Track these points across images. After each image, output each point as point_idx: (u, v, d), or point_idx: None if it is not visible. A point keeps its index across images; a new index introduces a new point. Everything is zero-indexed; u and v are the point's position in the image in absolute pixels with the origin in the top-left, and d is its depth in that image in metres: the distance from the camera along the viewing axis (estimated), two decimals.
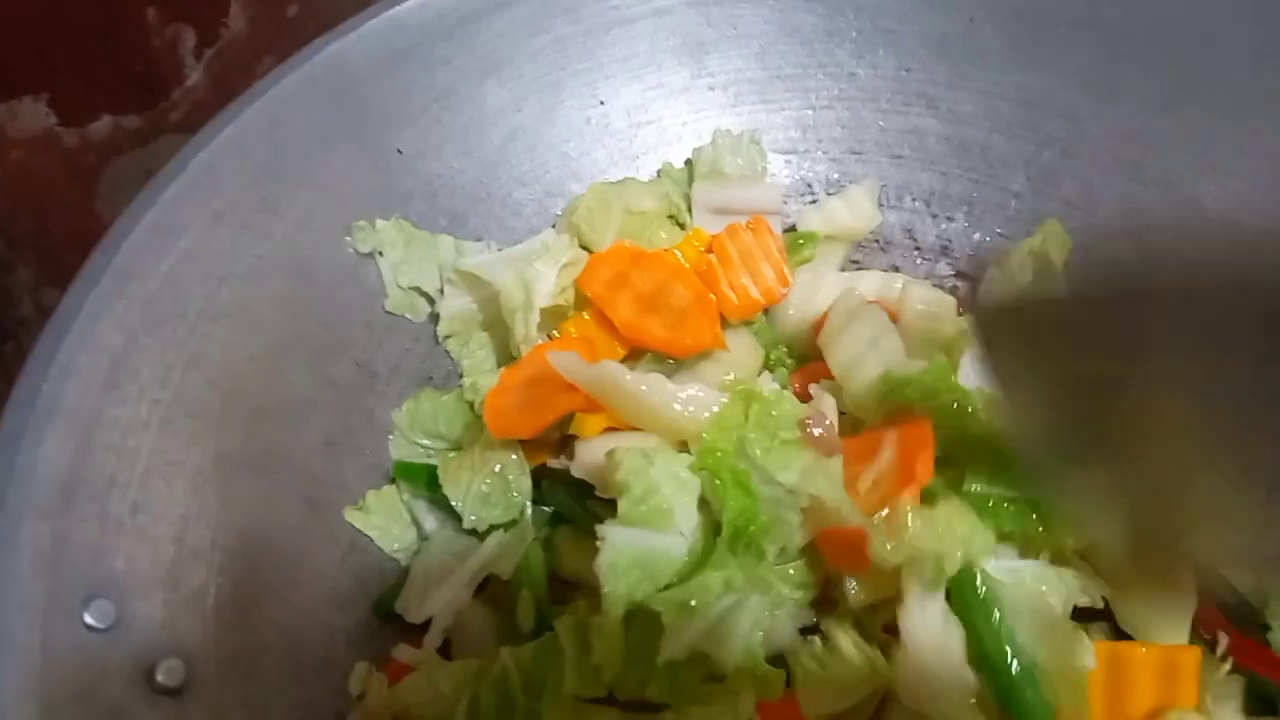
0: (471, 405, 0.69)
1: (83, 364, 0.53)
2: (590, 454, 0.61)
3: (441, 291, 0.71)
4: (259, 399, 0.62)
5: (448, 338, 0.72)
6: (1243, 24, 0.68)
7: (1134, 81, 0.71)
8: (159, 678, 0.52)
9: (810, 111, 0.78)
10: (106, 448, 0.54)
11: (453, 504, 0.64)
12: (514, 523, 0.65)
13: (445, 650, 0.64)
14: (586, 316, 0.68)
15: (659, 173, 0.78)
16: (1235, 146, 0.69)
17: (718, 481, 0.55)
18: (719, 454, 0.56)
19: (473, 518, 0.64)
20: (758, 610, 0.54)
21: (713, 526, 0.56)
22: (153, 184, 0.59)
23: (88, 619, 0.50)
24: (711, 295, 0.69)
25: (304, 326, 0.65)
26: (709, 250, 0.72)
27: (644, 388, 0.59)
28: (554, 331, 0.70)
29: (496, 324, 0.70)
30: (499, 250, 0.72)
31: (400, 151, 0.70)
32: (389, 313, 0.70)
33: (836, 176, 0.78)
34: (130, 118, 0.78)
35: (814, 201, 0.79)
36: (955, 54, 0.74)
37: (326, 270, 0.67)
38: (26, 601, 0.48)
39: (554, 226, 0.75)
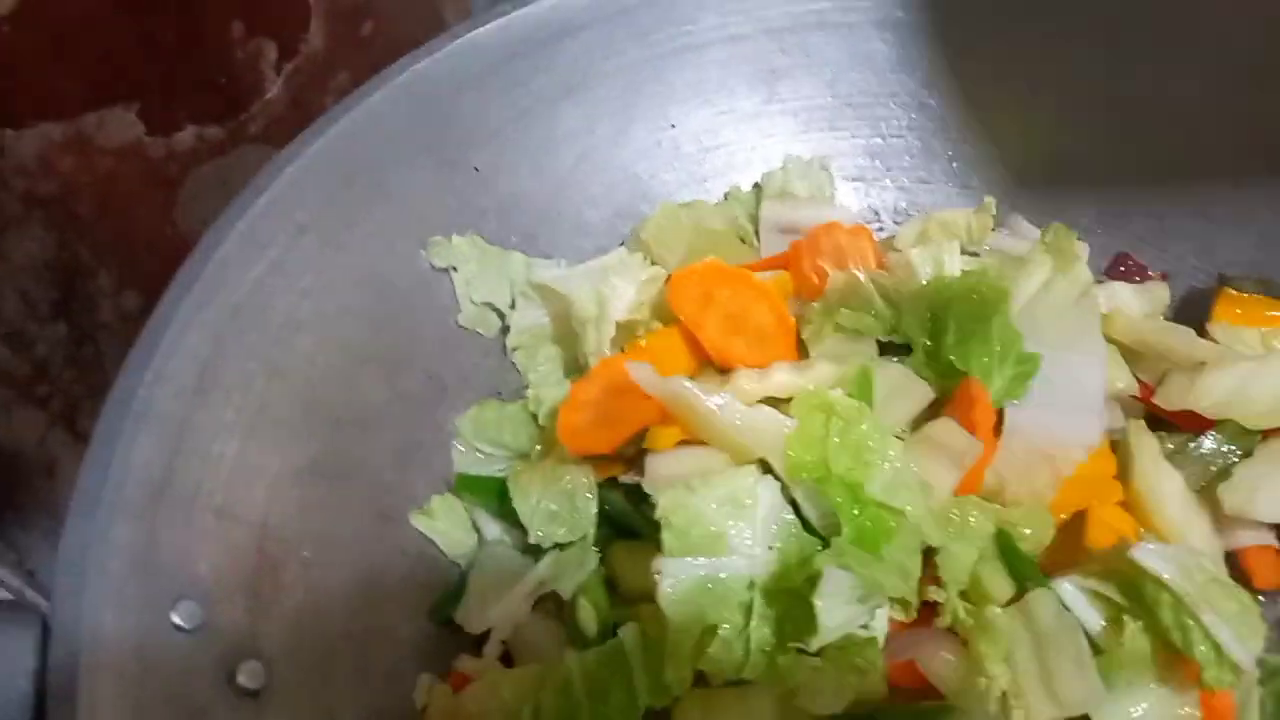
0: (535, 417, 0.70)
1: (173, 370, 0.55)
2: (663, 468, 0.60)
3: (513, 305, 0.72)
4: (335, 409, 0.64)
5: (515, 350, 0.72)
6: None
7: (1205, 112, 0.71)
8: (240, 680, 0.53)
9: (880, 140, 0.78)
10: (194, 452, 0.55)
11: (520, 518, 0.65)
12: (576, 542, 0.65)
13: (508, 660, 0.64)
14: (662, 329, 0.68)
15: (726, 195, 0.79)
16: None
17: (824, 492, 0.56)
18: (810, 466, 0.56)
19: (539, 534, 0.64)
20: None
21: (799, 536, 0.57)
22: (243, 195, 0.61)
23: (175, 620, 0.51)
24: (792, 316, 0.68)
25: (379, 338, 0.67)
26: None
27: (716, 406, 0.59)
28: (624, 347, 0.70)
29: (566, 337, 0.71)
30: (571, 267, 0.73)
31: (477, 169, 0.71)
32: (461, 327, 0.71)
33: (904, 205, 0.79)
34: (213, 129, 0.80)
35: (880, 230, 0.79)
36: (1025, 83, 0.74)
37: (402, 284, 0.68)
38: (120, 601, 0.49)
39: (624, 245, 0.76)
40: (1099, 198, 0.75)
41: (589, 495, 0.64)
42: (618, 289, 0.68)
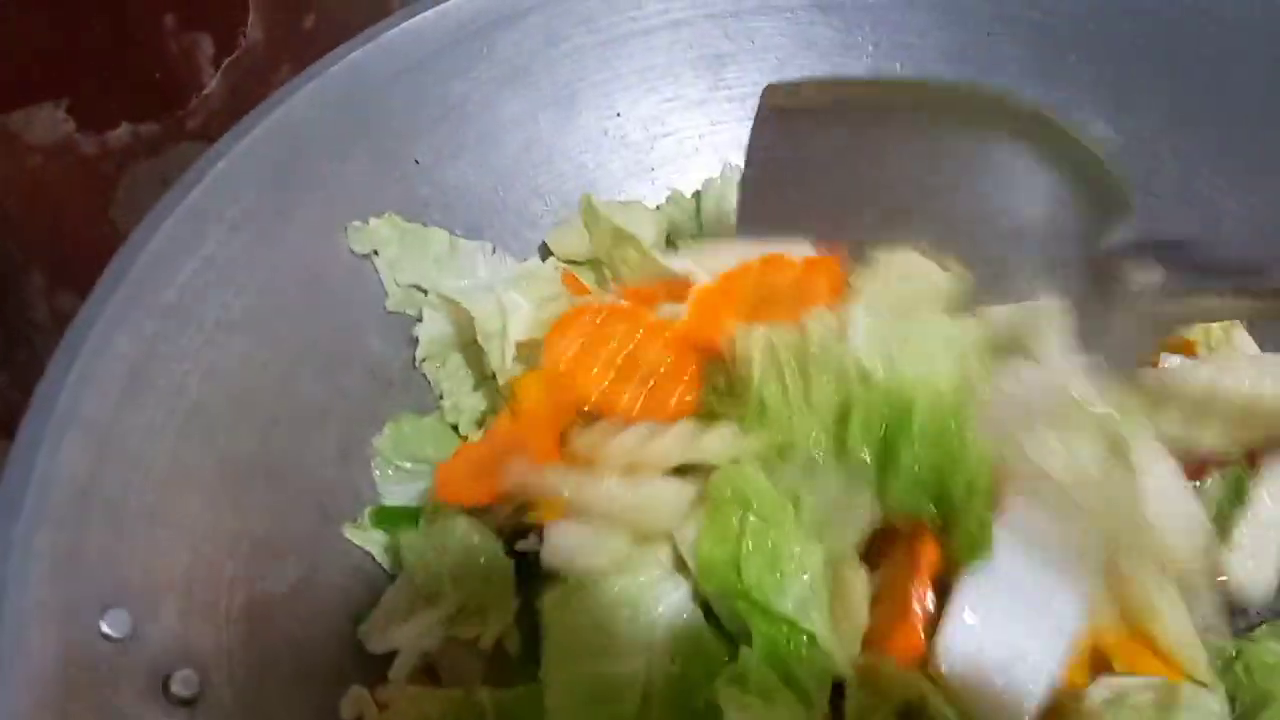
0: (455, 428, 0.69)
1: (101, 372, 0.53)
2: (561, 538, 0.54)
3: (420, 313, 0.69)
4: (273, 408, 0.62)
5: (424, 360, 0.70)
6: (1256, 38, 0.68)
7: (1150, 96, 0.71)
8: (173, 688, 0.51)
9: None
10: (122, 456, 0.53)
11: (432, 584, 0.61)
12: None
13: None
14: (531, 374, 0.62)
15: (668, 199, 0.78)
16: (1255, 164, 0.69)
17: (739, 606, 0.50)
18: (722, 567, 0.50)
19: (459, 595, 0.60)
20: None
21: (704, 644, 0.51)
22: (172, 192, 0.59)
23: (104, 628, 0.49)
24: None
25: (318, 336, 0.65)
26: None
27: (605, 495, 0.52)
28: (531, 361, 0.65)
29: (473, 345, 0.68)
30: (493, 251, 0.72)
31: (417, 161, 0.70)
32: (389, 311, 0.69)
33: None
34: (148, 125, 0.79)
35: None
36: (973, 68, 0.74)
37: (341, 280, 0.67)
38: (44, 611, 0.47)
39: (539, 253, 0.74)
40: None
41: (495, 553, 0.60)
42: (518, 304, 0.65)
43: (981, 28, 0.72)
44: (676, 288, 0.60)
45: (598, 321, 0.58)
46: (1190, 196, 0.70)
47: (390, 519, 0.65)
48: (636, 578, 0.52)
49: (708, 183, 0.77)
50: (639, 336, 0.57)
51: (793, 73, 0.77)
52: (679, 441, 0.53)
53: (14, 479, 0.49)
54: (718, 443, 0.52)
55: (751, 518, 0.50)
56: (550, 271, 0.70)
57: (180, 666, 0.52)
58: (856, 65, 0.75)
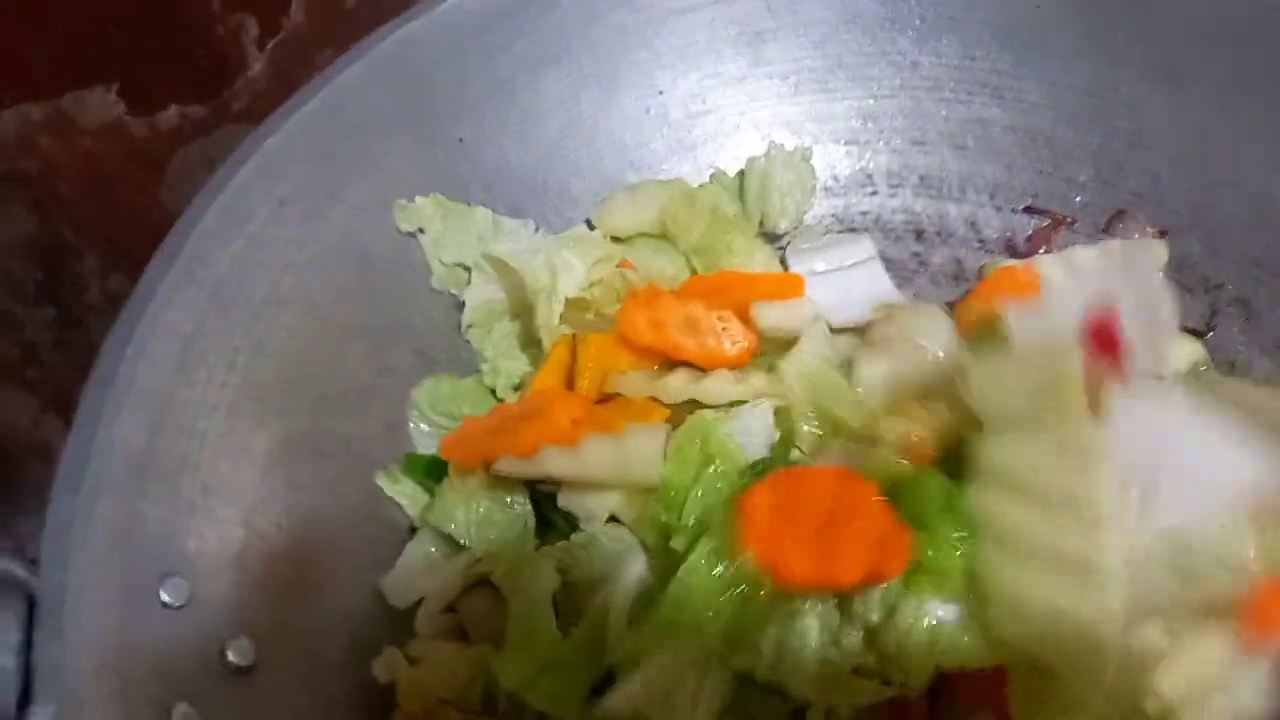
0: (493, 391, 0.69)
1: (155, 346, 0.54)
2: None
3: (469, 280, 0.70)
4: (321, 385, 0.63)
5: (470, 326, 0.71)
6: None
7: (1203, 73, 0.70)
8: (230, 656, 0.53)
9: (872, 101, 0.77)
10: (178, 429, 0.55)
11: (455, 536, 0.62)
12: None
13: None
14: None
15: (711, 178, 0.77)
16: None
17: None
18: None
19: (480, 547, 0.62)
20: None
21: None
22: (222, 171, 0.60)
23: (164, 596, 0.51)
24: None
25: (365, 313, 0.66)
26: None
27: (587, 466, 0.58)
28: (582, 328, 0.68)
29: (521, 310, 0.70)
30: (536, 230, 0.72)
31: (461, 140, 0.70)
32: (436, 290, 0.70)
33: (898, 167, 0.78)
34: (195, 107, 0.79)
35: (874, 194, 0.78)
36: (1020, 42, 0.73)
37: (387, 258, 0.68)
38: (104, 579, 0.48)
39: (586, 222, 0.74)
40: (1095, 155, 0.74)
41: (514, 486, 0.62)
42: (569, 264, 0.66)
43: (1030, 1, 0.71)
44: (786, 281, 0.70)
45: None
46: (1243, 177, 0.69)
47: (419, 467, 0.66)
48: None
49: (751, 161, 0.76)
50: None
51: (835, 50, 0.76)
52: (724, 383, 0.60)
53: (74, 451, 0.50)
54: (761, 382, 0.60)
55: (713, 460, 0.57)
56: (599, 237, 0.70)
57: (237, 635, 0.53)
58: (902, 39, 0.74)
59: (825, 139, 0.77)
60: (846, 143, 0.78)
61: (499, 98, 0.71)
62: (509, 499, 0.62)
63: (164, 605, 0.51)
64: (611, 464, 0.58)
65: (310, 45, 0.86)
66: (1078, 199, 0.74)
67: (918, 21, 0.74)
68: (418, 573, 0.64)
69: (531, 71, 0.72)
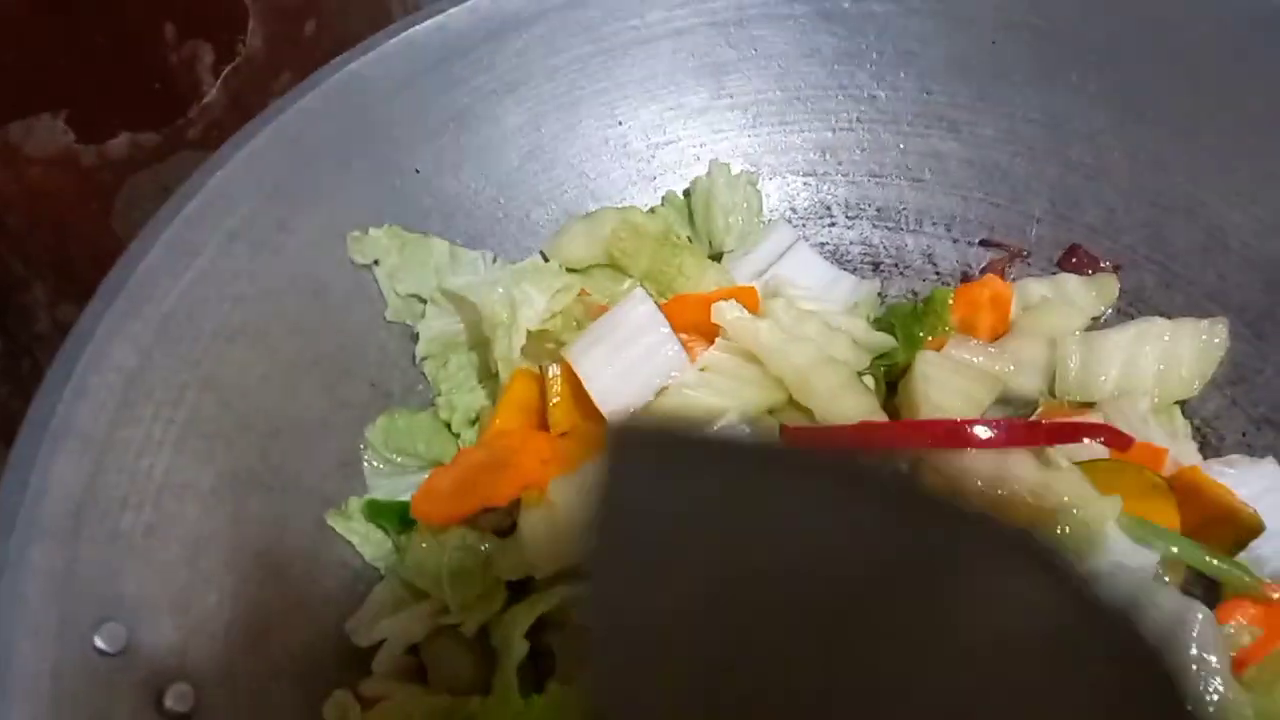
0: (448, 425, 0.68)
1: (97, 383, 0.53)
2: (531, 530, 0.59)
3: (423, 314, 0.69)
4: (273, 420, 0.62)
5: (425, 359, 0.70)
6: (1271, 48, 0.67)
7: (1158, 105, 0.70)
8: (168, 703, 0.51)
9: (830, 134, 0.77)
10: (120, 468, 0.53)
11: (430, 592, 0.62)
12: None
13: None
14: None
15: (663, 200, 0.77)
16: (1261, 173, 0.68)
17: None
18: None
19: (455, 601, 0.60)
20: None
21: None
22: (170, 203, 0.59)
23: (98, 643, 0.49)
24: None
25: (318, 346, 0.65)
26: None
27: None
28: (541, 360, 0.67)
29: (479, 343, 0.69)
30: (494, 260, 0.71)
31: (418, 171, 0.69)
32: (390, 323, 0.69)
33: (856, 199, 0.78)
34: (148, 135, 0.78)
35: (832, 225, 0.79)
36: (977, 76, 0.73)
37: (341, 290, 0.67)
38: (36, 626, 0.47)
39: (541, 253, 0.74)
40: (1052, 188, 0.74)
41: (483, 540, 0.61)
42: (529, 296, 0.66)
43: (985, 36, 0.72)
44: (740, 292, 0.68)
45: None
46: (1196, 208, 0.70)
47: (381, 513, 0.65)
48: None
49: (696, 181, 0.76)
50: None
51: (794, 82, 0.76)
52: None
53: (8, 492, 0.49)
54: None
55: None
56: (556, 268, 0.70)
57: (175, 681, 0.52)
58: (860, 73, 0.75)
59: (784, 170, 0.78)
60: (805, 174, 0.78)
61: (457, 128, 0.71)
62: (481, 548, 0.61)
63: (99, 652, 0.49)
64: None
65: (267, 72, 0.85)
66: (1032, 232, 0.75)
67: (875, 55, 0.74)
68: (384, 614, 0.62)
69: (491, 101, 0.71)
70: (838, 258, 0.78)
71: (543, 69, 0.72)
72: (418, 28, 0.67)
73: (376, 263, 0.67)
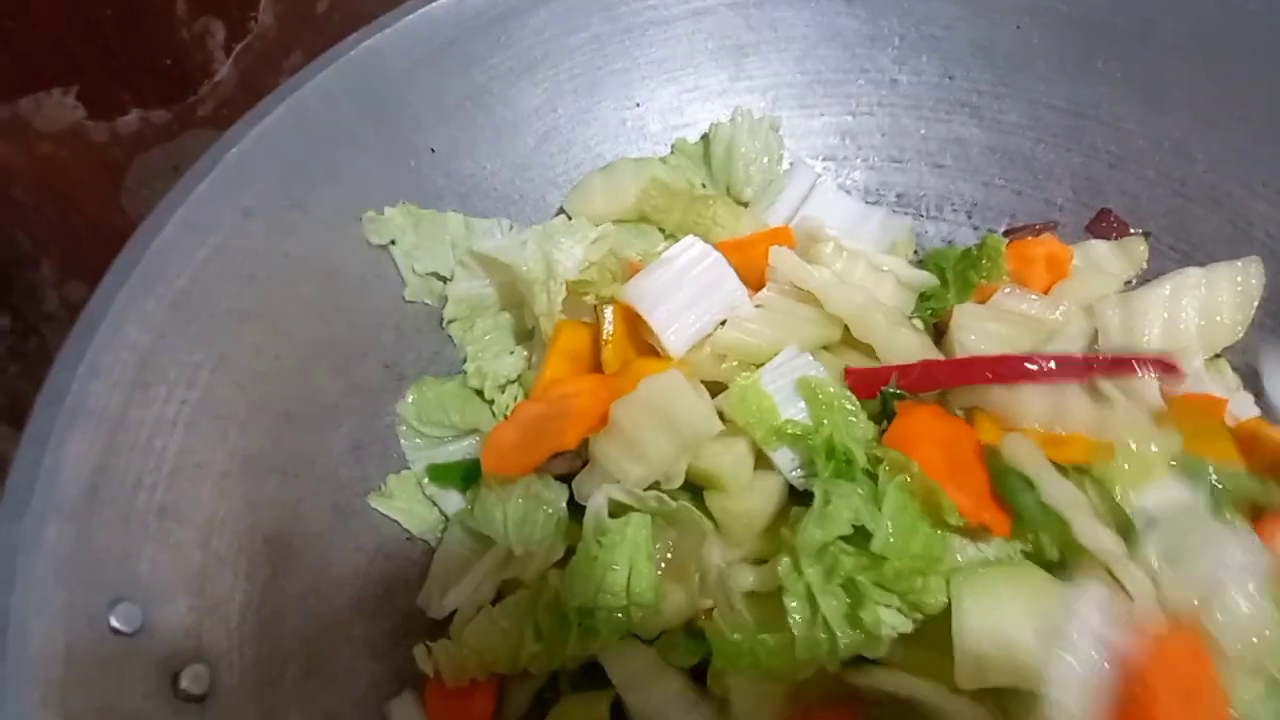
0: (480, 392, 0.68)
1: (110, 363, 0.52)
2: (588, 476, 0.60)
3: (452, 274, 0.69)
4: (286, 401, 0.61)
5: (452, 321, 0.70)
6: None
7: (1183, 94, 0.70)
8: (183, 684, 0.50)
9: (850, 118, 0.76)
10: (132, 449, 0.53)
11: (494, 537, 0.62)
12: None
13: None
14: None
15: (672, 148, 0.76)
16: None
17: None
18: None
19: (520, 547, 0.61)
20: None
21: None
22: (184, 180, 0.58)
23: (113, 622, 0.48)
24: None
25: (332, 328, 0.64)
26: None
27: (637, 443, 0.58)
28: (578, 314, 0.67)
29: (514, 304, 0.69)
30: (510, 228, 0.71)
31: (433, 150, 0.68)
32: (407, 301, 0.68)
33: (876, 184, 0.77)
34: (158, 112, 0.77)
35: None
36: (1001, 61, 0.72)
37: (355, 271, 0.66)
38: (48, 607, 0.46)
39: (562, 210, 0.73)
40: (1074, 175, 0.73)
41: (546, 485, 0.62)
42: (565, 248, 0.65)
43: (1010, 21, 0.71)
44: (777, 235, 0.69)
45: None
46: (1221, 197, 0.69)
47: (444, 474, 0.67)
48: None
49: (715, 127, 0.75)
50: None
51: (814, 66, 0.75)
52: None
53: (21, 473, 0.48)
54: None
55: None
56: (584, 222, 0.69)
57: (191, 662, 0.51)
58: (882, 57, 0.74)
59: (803, 154, 0.77)
60: (825, 158, 0.77)
61: (474, 108, 0.70)
62: (543, 496, 0.62)
63: (115, 632, 0.49)
64: (659, 424, 0.57)
65: (278, 49, 0.84)
66: (1056, 218, 0.74)
67: (898, 40, 0.73)
68: (450, 581, 0.64)
69: (507, 81, 0.70)
70: None
71: (560, 48, 0.71)
72: (436, 4, 0.66)
73: (393, 243, 0.67)
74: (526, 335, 0.70)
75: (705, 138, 0.76)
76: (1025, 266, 0.70)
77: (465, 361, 0.69)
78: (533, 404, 0.64)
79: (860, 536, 0.53)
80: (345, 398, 0.65)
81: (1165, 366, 0.57)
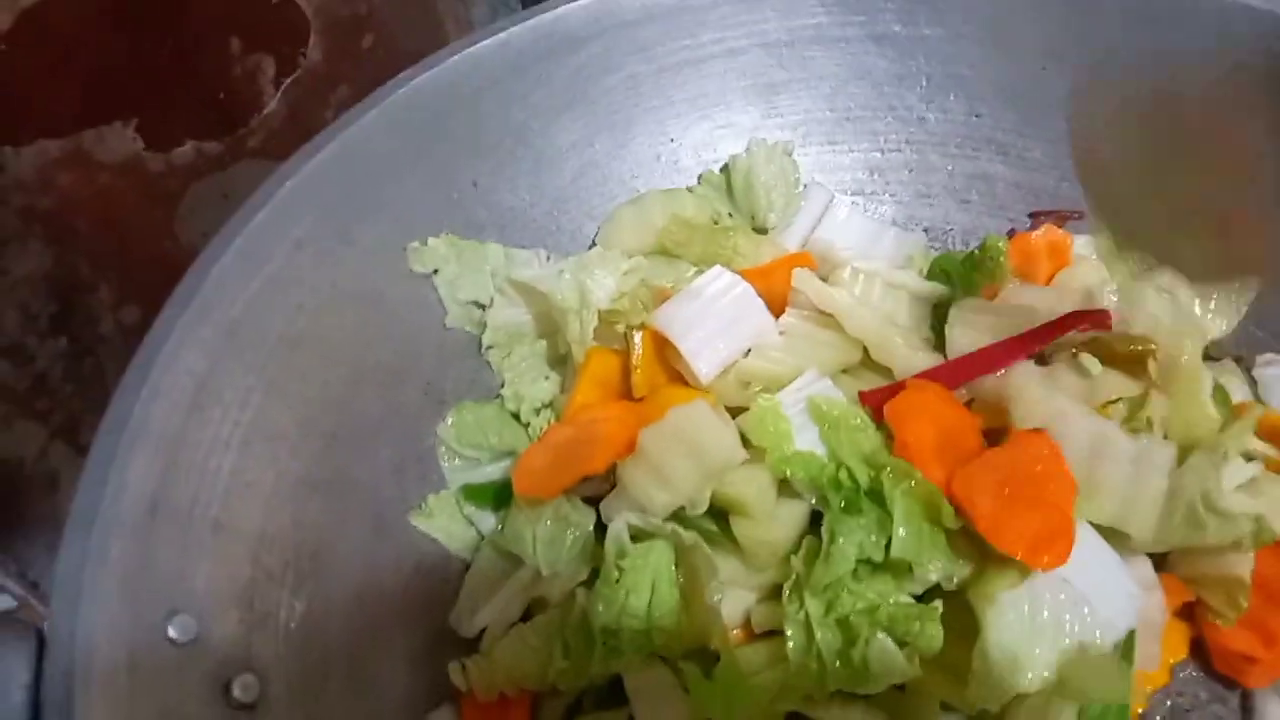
0: (516, 416, 0.71)
1: (170, 386, 0.55)
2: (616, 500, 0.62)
3: (491, 301, 0.72)
4: (332, 424, 0.64)
5: (490, 348, 0.72)
6: None
7: (1208, 137, 0.71)
8: (235, 693, 0.53)
9: (879, 154, 0.78)
10: (190, 468, 0.55)
11: (524, 558, 0.64)
12: None
13: None
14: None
15: (700, 179, 0.79)
16: None
17: None
18: None
19: (548, 568, 0.64)
20: None
21: None
22: (240, 212, 0.61)
23: (170, 633, 0.51)
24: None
25: (376, 353, 0.67)
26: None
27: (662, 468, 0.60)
28: (610, 341, 0.69)
29: (549, 331, 0.72)
30: (547, 258, 0.73)
31: (475, 184, 0.71)
32: (448, 328, 0.71)
33: (904, 219, 0.79)
34: (211, 144, 0.81)
35: None
36: (1026, 101, 0.74)
37: (399, 299, 0.69)
38: (114, 618, 0.49)
39: (595, 242, 0.76)
40: (1112, 214, 0.75)
41: (574, 508, 0.64)
42: (599, 279, 0.68)
43: (1035, 62, 0.73)
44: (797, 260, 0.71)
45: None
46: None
47: (477, 495, 0.69)
48: None
49: (734, 159, 0.78)
50: None
51: (844, 103, 0.78)
52: None
53: (88, 491, 0.51)
54: None
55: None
56: (617, 254, 0.72)
57: (241, 672, 0.54)
58: (910, 95, 0.76)
59: (833, 189, 0.79)
60: (853, 194, 0.79)
61: (514, 143, 0.72)
62: (571, 518, 0.64)
63: (171, 642, 0.51)
64: (685, 452, 0.59)
65: (325, 84, 0.88)
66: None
67: (925, 79, 0.75)
68: (481, 600, 0.66)
69: (546, 118, 0.73)
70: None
71: (598, 87, 0.74)
72: (479, 46, 0.69)
73: (436, 272, 0.69)
74: (560, 361, 0.72)
75: (725, 169, 0.78)
76: (1028, 261, 0.73)
77: (503, 386, 0.72)
78: (563, 428, 0.66)
79: (866, 567, 0.55)
80: (388, 420, 0.67)
81: (1095, 318, 0.61)
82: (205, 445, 0.56)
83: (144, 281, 0.80)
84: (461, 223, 0.71)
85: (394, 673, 0.63)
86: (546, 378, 0.72)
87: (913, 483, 0.56)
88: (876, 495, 0.57)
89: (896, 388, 0.62)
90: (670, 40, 0.74)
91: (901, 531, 0.55)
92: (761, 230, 0.78)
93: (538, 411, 0.71)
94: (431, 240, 0.69)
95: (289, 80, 0.86)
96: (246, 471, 0.58)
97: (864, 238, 0.76)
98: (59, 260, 0.74)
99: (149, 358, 0.55)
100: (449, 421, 0.70)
